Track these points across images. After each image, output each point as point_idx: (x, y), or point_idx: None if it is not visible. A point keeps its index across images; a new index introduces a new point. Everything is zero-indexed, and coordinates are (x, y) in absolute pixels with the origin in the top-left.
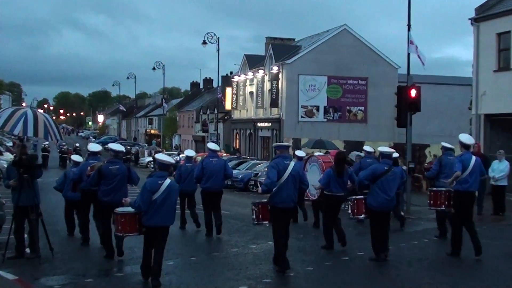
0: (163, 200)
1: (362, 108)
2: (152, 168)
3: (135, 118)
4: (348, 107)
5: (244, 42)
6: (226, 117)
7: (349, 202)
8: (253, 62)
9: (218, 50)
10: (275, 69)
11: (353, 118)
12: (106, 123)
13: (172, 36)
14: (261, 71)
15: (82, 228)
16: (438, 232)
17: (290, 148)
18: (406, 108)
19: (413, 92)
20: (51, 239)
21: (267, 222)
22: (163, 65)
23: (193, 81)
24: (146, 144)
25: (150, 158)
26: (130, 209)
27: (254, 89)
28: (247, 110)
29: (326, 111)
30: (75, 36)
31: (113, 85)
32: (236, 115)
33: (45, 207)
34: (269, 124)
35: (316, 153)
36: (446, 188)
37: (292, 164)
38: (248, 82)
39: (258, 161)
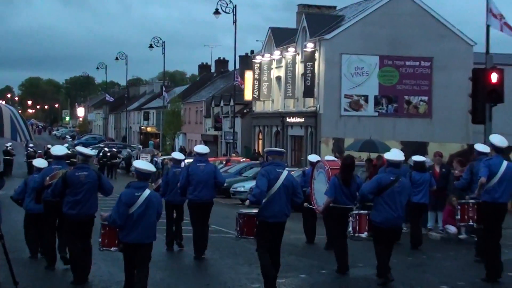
0: (141, 214)
1: (425, 98)
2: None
3: (127, 112)
4: (406, 97)
5: (270, 11)
6: (245, 111)
7: (350, 218)
8: (281, 37)
9: (235, 21)
10: (310, 46)
11: (413, 111)
12: (89, 119)
13: (175, 3)
14: (291, 50)
15: (47, 248)
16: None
17: (331, 151)
18: (484, 98)
19: (493, 77)
20: (16, 270)
21: (252, 237)
22: (163, 42)
23: (202, 63)
24: (140, 146)
25: None
26: None
27: (282, 73)
28: (272, 101)
29: (377, 102)
30: (49, 3)
31: (97, 68)
32: (258, 107)
33: (8, 228)
34: (302, 120)
35: (328, 158)
36: (476, 199)
37: (285, 173)
38: (274, 64)
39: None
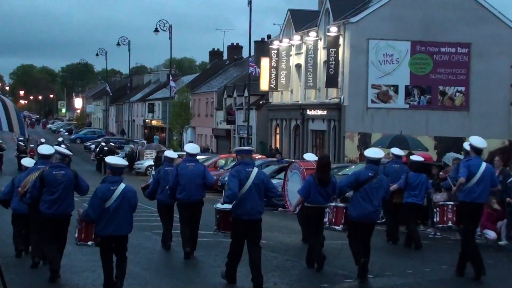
0: (117, 207)
1: (462, 88)
2: (153, 174)
3: (129, 104)
4: (441, 88)
5: None
6: (261, 102)
7: (327, 210)
8: (301, 20)
9: (250, 3)
10: (333, 31)
11: (449, 103)
12: (87, 111)
13: None
14: (312, 34)
15: (34, 248)
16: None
17: (357, 148)
18: None
19: None
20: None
21: (229, 233)
22: (170, 26)
23: (213, 49)
24: (144, 141)
25: (151, 162)
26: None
27: (302, 60)
28: (292, 92)
29: (408, 93)
30: None
31: (97, 55)
32: (276, 98)
33: None
34: (324, 112)
35: (308, 156)
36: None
37: (254, 171)
38: (293, 51)
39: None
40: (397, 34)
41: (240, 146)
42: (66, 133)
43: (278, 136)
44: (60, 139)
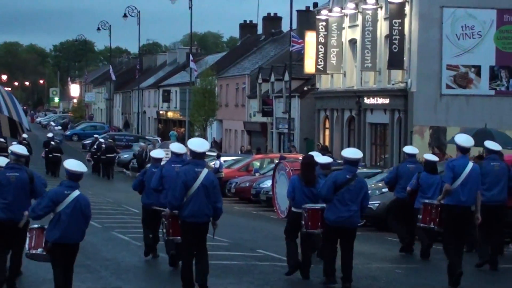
0: (68, 213)
1: None
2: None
3: (139, 91)
4: None
5: None
6: (306, 88)
7: (303, 213)
8: None
9: None
10: None
11: None
12: (86, 100)
13: None
14: (371, 1)
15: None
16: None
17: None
18: None
19: None
20: None
21: (179, 238)
22: None
23: (244, 22)
24: (158, 138)
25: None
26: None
27: (358, 35)
28: (344, 75)
29: (494, 76)
30: None
31: (98, 29)
32: (324, 83)
33: None
34: (387, 101)
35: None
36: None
37: (204, 172)
38: (347, 23)
39: (366, 170)
40: (478, 0)
41: (281, 143)
42: (58, 128)
43: (327, 131)
44: (49, 135)
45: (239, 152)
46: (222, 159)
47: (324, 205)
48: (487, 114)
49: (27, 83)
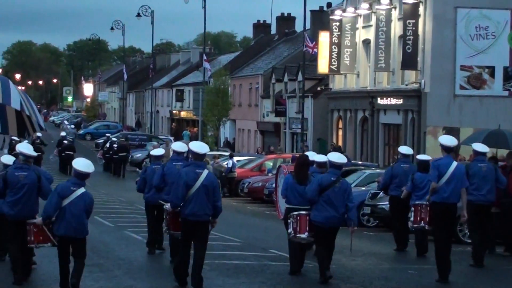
0: (73, 209)
1: None
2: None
3: (152, 90)
4: None
5: None
6: (319, 88)
7: (290, 219)
8: None
9: None
10: None
11: None
12: (99, 99)
13: None
14: (385, 1)
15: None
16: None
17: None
18: None
19: None
20: None
21: (179, 232)
22: None
23: (258, 21)
24: (171, 138)
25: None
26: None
27: (371, 35)
28: (358, 75)
29: (508, 77)
30: None
31: (112, 29)
32: (338, 84)
33: None
34: (400, 101)
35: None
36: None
37: (205, 173)
38: (360, 23)
39: (379, 170)
40: (493, 0)
41: (294, 143)
42: (72, 126)
43: (340, 131)
44: (63, 133)
45: (257, 153)
46: (235, 158)
47: (306, 212)
48: (501, 115)
49: (40, 82)
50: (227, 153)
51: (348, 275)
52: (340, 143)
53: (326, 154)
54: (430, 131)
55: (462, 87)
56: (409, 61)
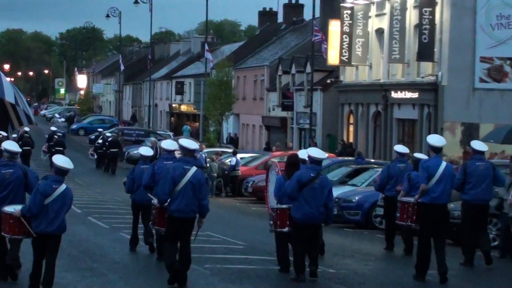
0: (55, 206)
1: None
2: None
3: (150, 82)
4: None
5: None
6: (329, 81)
7: (272, 213)
8: None
9: None
10: None
11: None
12: (94, 92)
13: None
14: None
15: None
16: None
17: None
18: None
19: None
20: None
21: (163, 228)
22: None
23: (264, 9)
24: (171, 133)
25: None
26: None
27: (385, 24)
28: (370, 67)
29: None
30: None
31: (107, 16)
32: (349, 76)
33: None
34: (415, 95)
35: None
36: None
37: (192, 170)
38: (373, 11)
39: None
40: None
41: (302, 139)
42: (62, 120)
43: (351, 127)
44: (53, 128)
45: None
46: (239, 156)
47: (287, 206)
48: None
49: (31, 73)
50: (230, 150)
51: (360, 281)
52: (351, 140)
53: (335, 152)
54: (447, 127)
55: (482, 80)
56: (425, 52)
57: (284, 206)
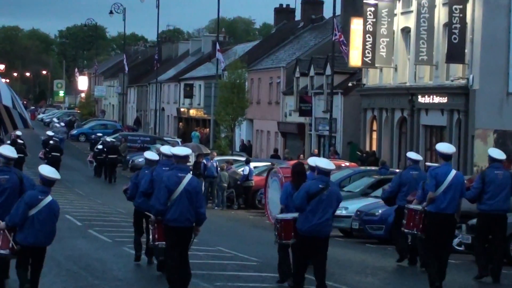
0: (41, 218)
1: None
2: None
3: (157, 85)
4: None
5: None
6: (350, 84)
7: (276, 224)
8: None
9: None
10: None
11: None
12: (96, 94)
13: None
14: None
15: None
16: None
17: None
18: None
19: None
20: None
21: (164, 243)
22: None
23: (280, 6)
24: (179, 140)
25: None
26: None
27: (412, 23)
28: (396, 69)
29: None
30: None
31: (111, 13)
32: (372, 79)
33: None
34: (445, 100)
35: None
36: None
37: (187, 177)
38: (399, 9)
39: None
40: None
41: (321, 147)
42: (61, 124)
43: (375, 134)
44: (49, 133)
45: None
46: (252, 165)
47: (296, 215)
48: None
49: (27, 74)
50: (243, 158)
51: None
52: (374, 148)
53: (361, 162)
54: (479, 134)
55: None
56: (455, 53)
57: (288, 217)
